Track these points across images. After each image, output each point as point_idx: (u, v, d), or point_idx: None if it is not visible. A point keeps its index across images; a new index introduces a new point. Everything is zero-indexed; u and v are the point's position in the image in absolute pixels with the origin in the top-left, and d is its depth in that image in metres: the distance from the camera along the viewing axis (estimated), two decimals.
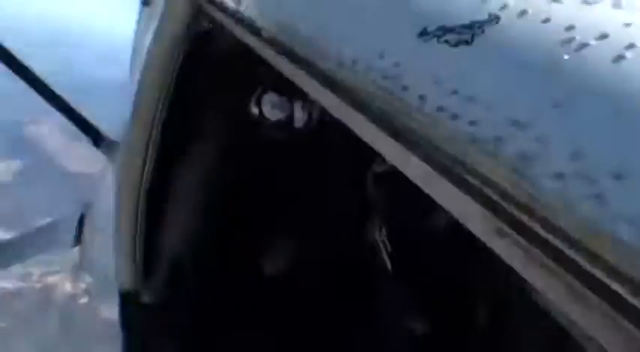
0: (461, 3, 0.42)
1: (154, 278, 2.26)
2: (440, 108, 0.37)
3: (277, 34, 0.70)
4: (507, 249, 0.39)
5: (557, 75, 0.32)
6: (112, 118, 3.41)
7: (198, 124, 2.54)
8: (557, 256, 0.33)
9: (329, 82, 0.55)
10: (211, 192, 2.23)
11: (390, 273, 1.95)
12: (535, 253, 0.36)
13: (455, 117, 0.35)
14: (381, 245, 2.01)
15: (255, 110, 2.07)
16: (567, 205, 0.29)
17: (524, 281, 0.39)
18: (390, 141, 0.49)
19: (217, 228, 2.31)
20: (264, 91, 2.09)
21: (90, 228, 3.06)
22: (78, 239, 3.13)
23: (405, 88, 0.40)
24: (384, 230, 2.02)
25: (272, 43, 0.73)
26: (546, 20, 0.35)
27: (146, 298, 2.21)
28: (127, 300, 2.20)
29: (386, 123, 0.44)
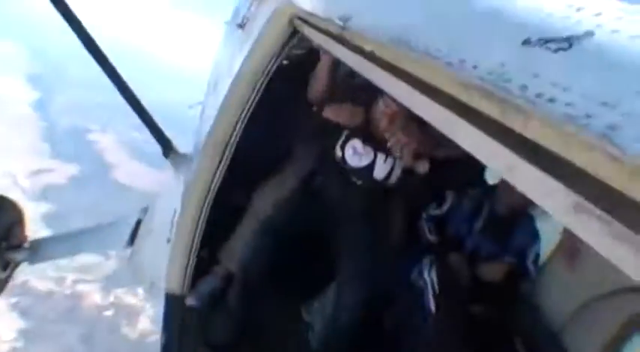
0: (559, 21, 0.51)
1: (201, 286, 2.37)
2: (538, 95, 0.46)
3: (386, 52, 0.81)
4: (583, 224, 0.46)
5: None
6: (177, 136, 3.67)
7: (276, 146, 2.71)
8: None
9: (435, 93, 0.66)
10: (278, 218, 2.33)
11: (433, 313, 1.98)
12: (615, 226, 0.42)
13: (552, 100, 0.44)
14: (429, 284, 2.05)
15: (339, 153, 2.27)
16: None
17: None
18: (483, 136, 0.58)
19: (274, 254, 2.37)
20: (350, 137, 2.26)
21: (144, 233, 3.23)
22: (132, 241, 3.29)
23: (507, 80, 0.50)
24: (434, 269, 2.07)
25: (379, 61, 0.85)
26: (634, 37, 0.44)
27: (191, 303, 2.30)
28: (172, 303, 2.28)
29: (489, 121, 0.53)
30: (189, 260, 2.27)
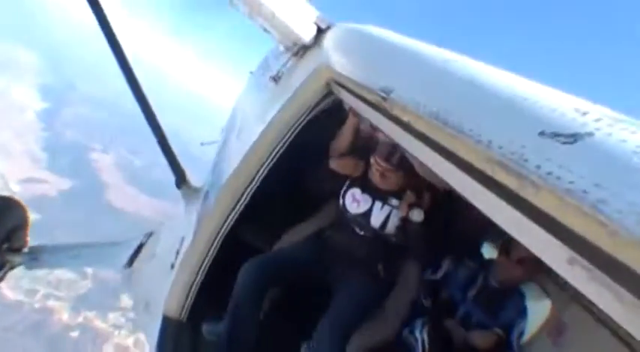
0: (568, 121, 0.70)
1: (200, 312, 2.43)
2: (549, 173, 0.63)
3: (423, 125, 0.96)
4: (575, 274, 0.62)
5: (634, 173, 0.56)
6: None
7: (293, 192, 2.88)
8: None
9: (463, 165, 0.83)
10: (284, 261, 2.42)
11: None
12: (599, 276, 0.57)
13: (558, 178, 0.61)
14: (419, 342, 2.13)
15: (341, 200, 2.45)
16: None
17: None
18: (505, 206, 0.75)
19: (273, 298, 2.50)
20: (351, 186, 2.45)
21: (146, 256, 3.29)
22: (131, 263, 3.35)
23: (525, 160, 0.67)
24: (425, 329, 2.15)
25: (415, 131, 1.02)
26: (623, 141, 0.61)
27: (186, 327, 2.37)
28: (168, 325, 2.34)
29: (507, 190, 0.70)
30: (191, 288, 2.35)
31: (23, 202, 3.55)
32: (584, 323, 2.01)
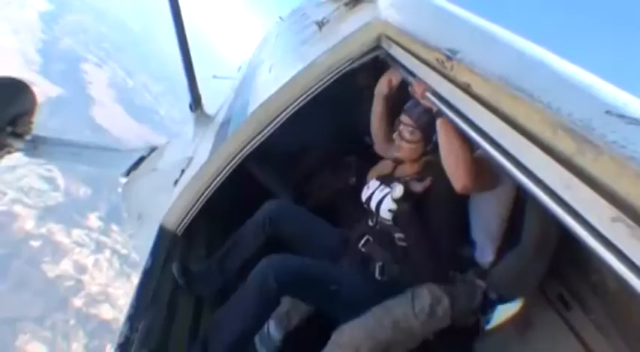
0: (634, 109, 0.80)
1: (193, 231, 2.53)
2: (614, 141, 0.72)
3: (488, 88, 1.04)
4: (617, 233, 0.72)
5: None
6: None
7: (314, 139, 2.97)
8: None
9: (524, 130, 0.91)
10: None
11: None
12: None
13: (623, 147, 0.70)
14: None
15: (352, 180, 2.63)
16: None
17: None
18: (555, 164, 0.84)
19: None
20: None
21: (146, 170, 3.33)
22: (128, 173, 3.39)
23: (593, 129, 0.76)
24: None
25: (476, 95, 1.10)
26: None
27: (180, 240, 2.47)
28: (163, 235, 2.43)
29: (563, 155, 0.80)
30: (193, 206, 2.42)
31: (35, 90, 3.50)
32: (553, 326, 2.11)
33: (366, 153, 2.63)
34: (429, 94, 1.50)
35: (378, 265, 2.09)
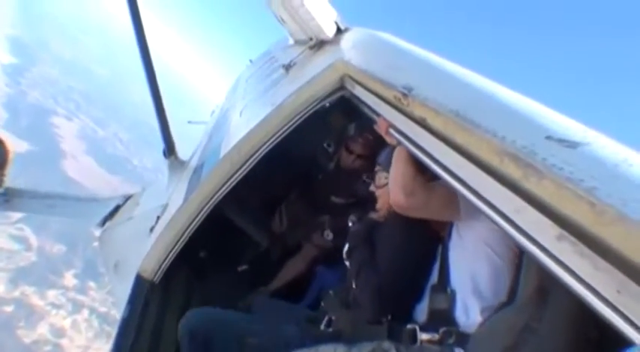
0: (573, 132, 0.89)
1: (171, 276, 2.51)
2: (553, 165, 0.79)
3: (441, 121, 1.14)
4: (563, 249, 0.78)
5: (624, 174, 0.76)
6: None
7: (280, 181, 3.05)
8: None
9: (476, 160, 0.98)
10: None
11: None
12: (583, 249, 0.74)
13: (561, 169, 0.77)
14: None
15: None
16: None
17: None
18: (504, 189, 0.92)
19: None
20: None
21: (122, 218, 3.32)
22: (104, 222, 3.37)
23: (535, 154, 0.84)
24: None
25: (431, 129, 1.19)
26: (614, 152, 0.81)
27: (157, 288, 2.44)
28: (141, 284, 2.41)
29: (510, 179, 0.88)
30: (169, 253, 2.41)
31: (8, 142, 3.46)
32: None
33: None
34: (391, 130, 1.58)
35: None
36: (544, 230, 0.82)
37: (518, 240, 0.88)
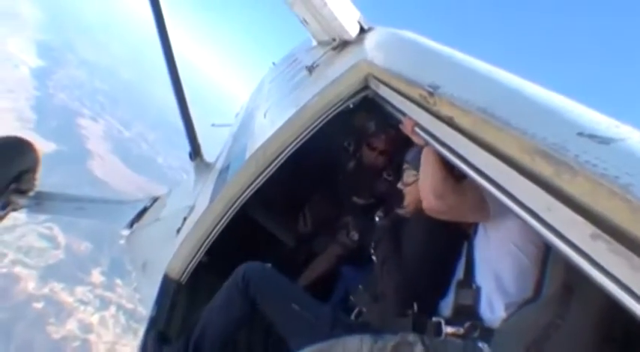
0: (605, 128, 0.87)
1: (197, 278, 2.56)
2: (586, 162, 0.79)
3: (469, 119, 1.13)
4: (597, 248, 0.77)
5: None
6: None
7: (310, 179, 3.06)
8: None
9: (510, 162, 0.97)
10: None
11: None
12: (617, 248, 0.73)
13: (595, 166, 0.76)
14: None
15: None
16: None
17: None
18: (535, 187, 0.91)
19: None
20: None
21: (150, 220, 3.39)
22: (132, 224, 3.44)
23: (567, 150, 0.83)
24: None
25: (459, 127, 1.18)
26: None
27: (184, 289, 2.50)
28: (168, 284, 2.46)
29: (542, 177, 0.87)
30: (196, 253, 2.46)
31: (38, 147, 3.59)
32: None
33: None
34: (417, 129, 1.58)
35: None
36: (577, 228, 0.81)
37: (549, 238, 0.87)
